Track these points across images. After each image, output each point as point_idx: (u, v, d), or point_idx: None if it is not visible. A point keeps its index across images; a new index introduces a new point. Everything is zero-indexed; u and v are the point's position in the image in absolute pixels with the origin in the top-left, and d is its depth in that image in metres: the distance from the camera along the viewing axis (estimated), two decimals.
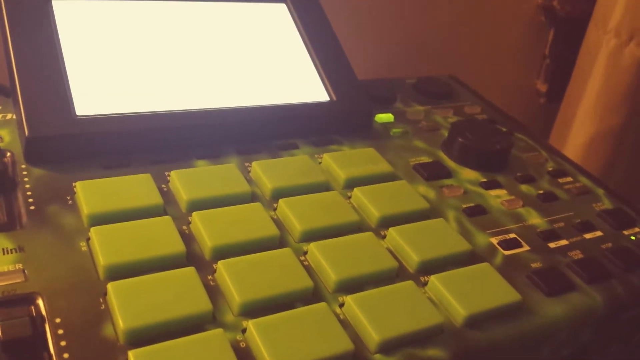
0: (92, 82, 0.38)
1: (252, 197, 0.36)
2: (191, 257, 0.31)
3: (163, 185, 0.35)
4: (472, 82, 0.58)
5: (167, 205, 0.34)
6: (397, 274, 0.33)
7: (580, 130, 0.82)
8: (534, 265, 0.36)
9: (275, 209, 0.36)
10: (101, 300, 0.28)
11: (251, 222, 0.33)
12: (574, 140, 0.82)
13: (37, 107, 0.35)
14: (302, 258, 0.33)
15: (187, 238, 0.32)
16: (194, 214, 0.33)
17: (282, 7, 0.48)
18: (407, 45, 0.78)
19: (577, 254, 0.38)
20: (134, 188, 0.34)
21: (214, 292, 0.30)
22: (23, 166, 0.35)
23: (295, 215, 0.35)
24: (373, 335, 0.28)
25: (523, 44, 0.88)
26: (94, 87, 0.37)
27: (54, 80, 0.36)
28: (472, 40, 0.83)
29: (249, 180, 0.37)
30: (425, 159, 0.44)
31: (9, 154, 0.35)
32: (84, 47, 0.39)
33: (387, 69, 0.76)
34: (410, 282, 0.32)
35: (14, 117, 0.38)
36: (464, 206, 0.40)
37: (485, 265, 0.34)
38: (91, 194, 0.32)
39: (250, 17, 0.46)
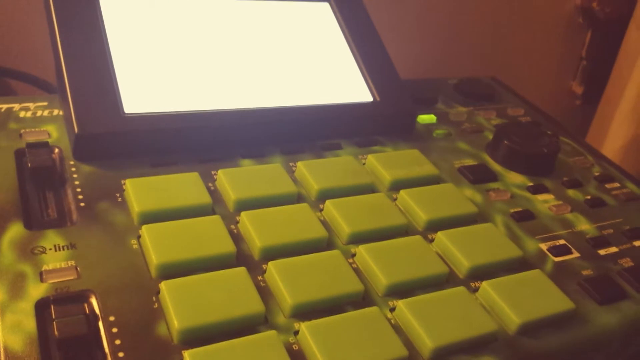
0: (140, 80, 0.38)
1: (297, 198, 0.36)
2: (240, 257, 0.31)
3: (210, 184, 0.35)
4: (507, 82, 0.57)
5: (215, 204, 0.34)
6: (447, 279, 0.33)
7: (617, 133, 0.80)
8: (584, 272, 0.35)
9: (321, 210, 0.36)
10: (154, 298, 0.28)
11: (299, 223, 0.33)
12: (611, 144, 0.81)
13: (86, 105, 0.35)
14: (350, 260, 0.33)
15: (235, 237, 0.32)
16: (243, 214, 0.33)
17: (326, 6, 0.47)
18: (444, 45, 0.77)
19: (627, 262, 0.37)
20: (183, 186, 0.33)
21: (264, 292, 0.29)
22: (72, 162, 0.35)
23: (343, 217, 0.34)
24: (427, 342, 0.28)
25: (559, 46, 0.87)
26: (141, 85, 0.37)
27: (103, 77, 0.36)
28: (508, 41, 0.82)
29: (294, 180, 0.37)
30: (469, 162, 0.43)
31: (57, 150, 0.35)
32: (131, 45, 0.39)
33: (422, 69, 0.76)
34: (462, 288, 0.31)
35: (61, 113, 0.38)
36: (512, 211, 0.39)
37: (537, 272, 0.33)
38: (141, 191, 0.32)
39: (294, 16, 0.46)
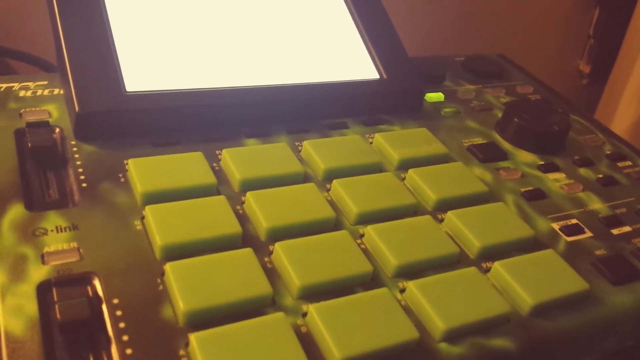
0: (141, 58, 0.37)
1: (304, 177, 0.35)
2: (246, 238, 0.30)
3: (214, 164, 0.34)
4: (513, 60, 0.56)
5: (220, 185, 0.33)
6: (458, 260, 0.32)
7: (625, 112, 0.79)
8: (598, 252, 0.35)
9: (328, 190, 0.35)
10: (159, 280, 0.27)
11: (306, 203, 0.32)
12: (619, 123, 0.80)
13: (87, 83, 0.34)
14: (359, 241, 0.32)
15: (241, 218, 0.31)
16: (249, 194, 0.32)
17: None
18: (450, 23, 0.76)
19: None
20: (187, 166, 0.33)
21: (271, 274, 0.29)
22: (73, 142, 0.34)
23: (351, 196, 0.33)
24: (438, 324, 0.27)
25: (566, 23, 0.85)
26: (143, 63, 0.36)
27: (104, 55, 0.35)
28: (513, 19, 0.81)
29: (300, 160, 0.36)
30: (479, 140, 0.42)
31: (58, 129, 0.35)
32: (133, 22, 0.38)
33: (428, 46, 0.74)
34: (473, 269, 0.31)
35: (61, 92, 0.37)
36: (523, 190, 0.38)
37: (549, 251, 0.33)
38: (144, 171, 0.32)
39: None
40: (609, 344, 0.32)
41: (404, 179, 0.37)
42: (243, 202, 0.32)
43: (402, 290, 0.29)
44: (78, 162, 0.33)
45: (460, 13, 0.76)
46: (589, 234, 0.36)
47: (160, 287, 0.27)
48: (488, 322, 0.28)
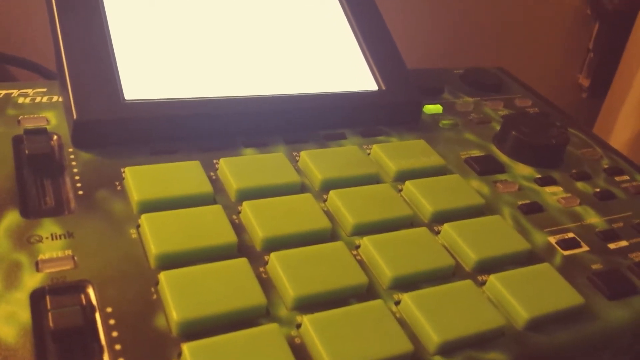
0: (141, 66, 0.37)
1: (301, 188, 0.35)
2: (241, 247, 0.30)
3: (211, 173, 0.34)
4: (512, 74, 0.57)
5: (216, 194, 0.33)
6: (454, 273, 0.32)
7: (624, 127, 0.79)
8: (594, 266, 0.35)
9: (325, 200, 0.35)
10: (153, 289, 0.27)
11: (302, 213, 0.32)
12: (617, 137, 0.80)
13: (85, 91, 0.34)
14: (355, 252, 0.32)
15: (237, 228, 0.31)
16: (245, 203, 0.32)
17: None
18: (450, 36, 0.76)
19: (637, 256, 0.36)
20: (184, 175, 0.33)
21: (265, 284, 0.29)
22: (70, 150, 0.34)
23: (347, 207, 0.33)
24: (433, 337, 0.27)
25: (566, 37, 0.86)
26: (142, 72, 0.37)
27: (103, 63, 0.36)
28: (513, 33, 0.81)
29: (297, 170, 0.36)
30: (476, 153, 0.42)
31: (55, 137, 0.35)
32: (133, 31, 0.38)
33: (428, 59, 0.75)
34: (469, 282, 0.31)
35: (60, 99, 0.37)
36: (520, 203, 0.38)
37: (545, 265, 0.33)
38: (141, 180, 0.32)
39: (298, 2, 0.45)
40: (604, 359, 0.32)
41: (401, 190, 0.37)
42: (239, 212, 0.32)
43: (397, 303, 0.29)
44: (75, 170, 0.33)
45: (460, 26, 0.76)
46: (585, 248, 0.36)
47: (154, 296, 0.27)
48: (483, 336, 0.28)
